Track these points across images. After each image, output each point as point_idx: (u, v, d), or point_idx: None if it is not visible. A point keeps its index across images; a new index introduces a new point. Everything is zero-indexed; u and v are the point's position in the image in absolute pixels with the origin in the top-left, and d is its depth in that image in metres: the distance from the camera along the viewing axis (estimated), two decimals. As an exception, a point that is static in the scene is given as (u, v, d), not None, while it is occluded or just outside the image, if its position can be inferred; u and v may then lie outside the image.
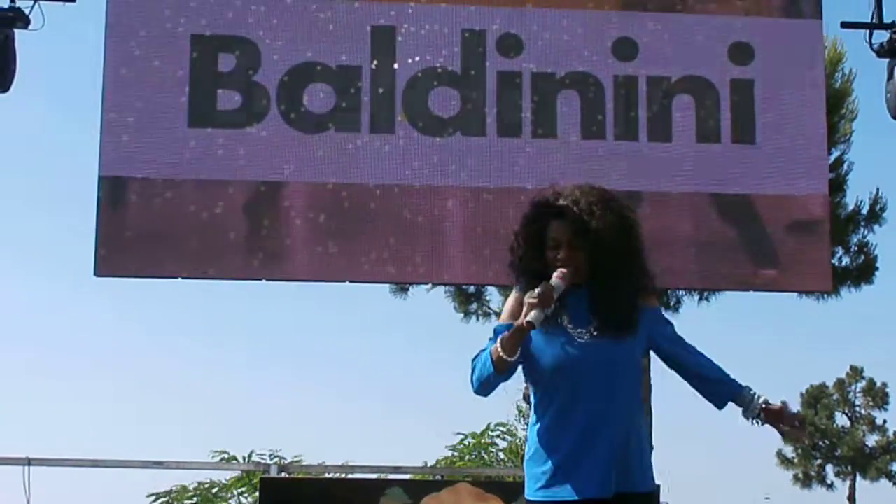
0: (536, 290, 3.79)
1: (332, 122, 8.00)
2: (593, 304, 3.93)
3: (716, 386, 4.06)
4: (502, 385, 4.01)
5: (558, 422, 3.89)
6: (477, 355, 3.96)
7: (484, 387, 3.94)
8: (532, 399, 4.04)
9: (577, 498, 3.82)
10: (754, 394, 4.03)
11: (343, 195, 7.93)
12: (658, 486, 4.12)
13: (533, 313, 3.77)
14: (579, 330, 3.92)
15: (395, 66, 8.08)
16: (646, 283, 4.04)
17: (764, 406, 4.02)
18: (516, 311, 3.93)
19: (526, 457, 4.03)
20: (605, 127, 8.12)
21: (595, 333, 3.91)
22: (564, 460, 3.86)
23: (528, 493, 3.97)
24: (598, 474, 3.83)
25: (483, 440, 20.16)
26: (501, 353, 3.83)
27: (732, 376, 4.09)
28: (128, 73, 7.94)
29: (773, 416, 4.03)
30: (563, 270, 3.87)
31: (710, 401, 4.10)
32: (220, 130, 7.92)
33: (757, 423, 4.05)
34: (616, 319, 3.92)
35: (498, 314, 14.96)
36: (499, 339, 3.84)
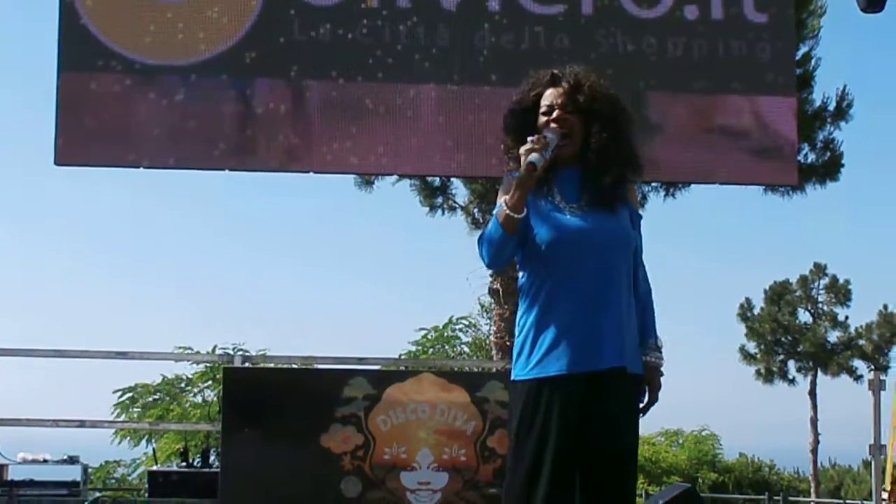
0: (529, 139, 3.75)
1: (293, 9, 7.89)
2: (585, 176, 3.88)
3: (643, 333, 3.99)
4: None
5: (555, 297, 3.83)
6: (482, 233, 3.89)
7: (496, 253, 3.84)
8: (524, 281, 3.96)
9: (574, 371, 3.78)
10: (655, 346, 3.99)
11: (304, 85, 7.85)
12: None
13: (533, 155, 3.71)
14: (571, 205, 3.87)
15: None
16: (636, 161, 4.00)
17: (646, 364, 3.96)
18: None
19: (517, 340, 3.94)
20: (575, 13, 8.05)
21: (586, 208, 3.87)
22: (561, 335, 3.80)
23: (519, 373, 3.88)
24: (595, 347, 3.79)
25: (445, 333, 20.30)
26: (509, 212, 3.75)
27: (654, 323, 4.03)
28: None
29: (648, 378, 3.96)
30: (554, 125, 3.86)
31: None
32: (180, 15, 7.80)
33: None
34: (606, 189, 3.87)
35: (463, 208, 14.98)
36: (503, 200, 3.78)
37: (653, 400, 3.98)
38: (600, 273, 3.83)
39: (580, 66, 4.05)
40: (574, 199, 3.89)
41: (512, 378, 3.92)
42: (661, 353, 4.00)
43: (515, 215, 3.75)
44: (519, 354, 3.91)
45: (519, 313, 3.99)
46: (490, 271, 14.69)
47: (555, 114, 3.89)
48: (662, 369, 4.00)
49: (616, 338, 3.82)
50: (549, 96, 3.93)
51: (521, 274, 3.99)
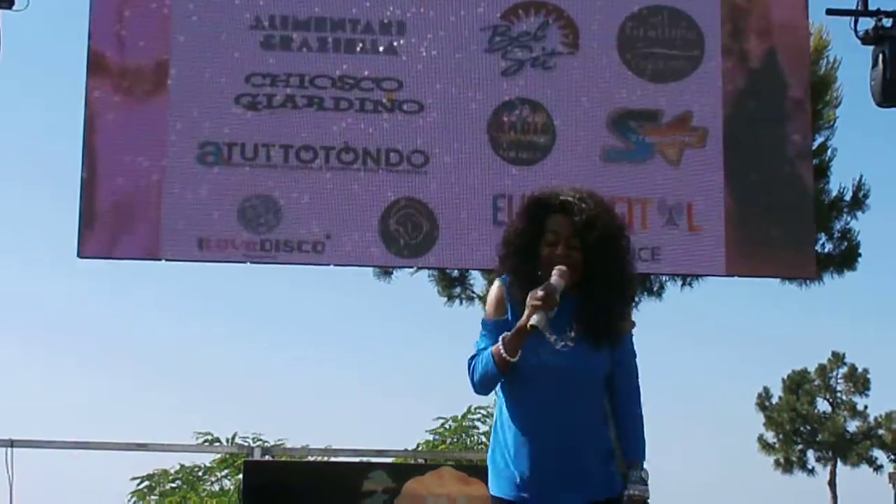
0: (539, 293, 3.73)
1: (315, 105, 8.01)
2: (580, 309, 3.87)
3: (627, 448, 3.97)
4: None
5: (525, 426, 3.88)
6: (473, 356, 3.91)
7: (486, 387, 3.92)
8: (500, 394, 4.00)
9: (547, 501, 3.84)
10: (639, 479, 3.92)
11: (327, 177, 7.93)
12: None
13: (535, 316, 3.71)
14: (555, 337, 3.86)
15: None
16: (632, 293, 4.04)
17: (629, 498, 3.90)
18: (501, 304, 3.91)
19: (490, 451, 4.02)
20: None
21: (572, 344, 3.87)
22: (531, 466, 3.85)
23: (493, 490, 3.96)
24: (563, 483, 3.84)
25: (464, 423, 20.18)
26: (504, 355, 3.78)
27: (643, 442, 3.99)
28: (112, 54, 7.95)
29: None
30: (563, 268, 3.80)
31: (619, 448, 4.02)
32: (206, 111, 7.92)
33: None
34: (600, 328, 3.87)
35: (481, 298, 14.99)
36: (500, 340, 3.80)
37: None
38: (573, 407, 3.84)
39: (587, 190, 4.01)
40: (561, 328, 3.88)
41: (490, 491, 3.99)
42: (645, 485, 3.92)
43: (511, 359, 3.79)
44: (494, 467, 3.97)
45: (495, 421, 4.04)
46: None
47: (559, 249, 3.85)
48: (647, 502, 3.92)
49: (587, 471, 3.85)
50: (556, 224, 3.90)
51: (501, 386, 4.00)
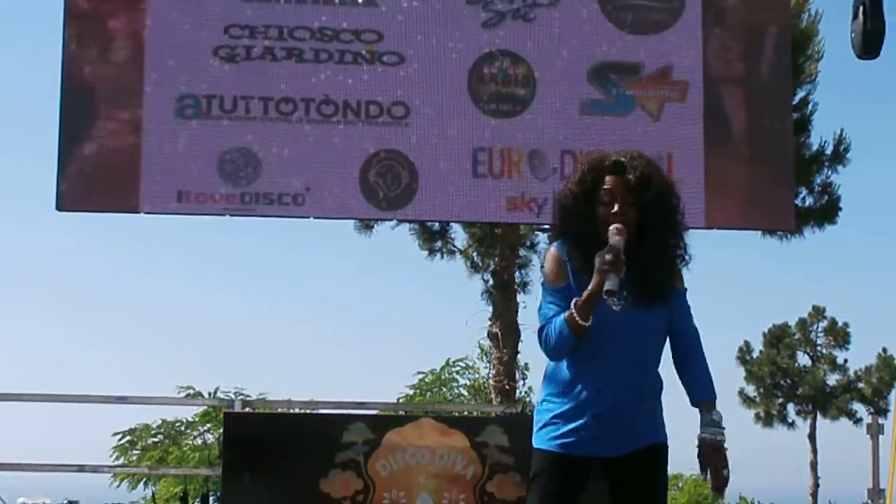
0: (607, 256, 3.75)
1: (294, 58, 7.97)
2: (634, 269, 3.87)
3: (696, 388, 4.08)
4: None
5: (578, 380, 3.95)
6: (544, 325, 3.93)
7: (562, 353, 3.95)
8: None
9: (593, 455, 3.95)
10: (711, 421, 4.01)
11: (307, 129, 7.91)
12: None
13: (608, 281, 3.74)
14: (612, 298, 3.87)
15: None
16: (686, 255, 4.03)
17: (702, 441, 4.01)
18: (562, 269, 3.94)
19: (538, 404, 4.08)
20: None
21: (626, 302, 3.90)
22: (581, 418, 3.94)
23: (539, 442, 4.02)
24: (614, 434, 3.93)
25: (443, 376, 20.25)
26: (579, 321, 3.82)
27: (712, 385, 4.09)
28: (87, 4, 7.90)
29: (706, 456, 4.00)
30: (619, 226, 3.82)
31: (687, 394, 4.12)
32: (183, 63, 7.89)
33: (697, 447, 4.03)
34: (654, 288, 3.92)
35: (462, 252, 15.00)
36: (573, 306, 3.83)
37: (719, 479, 3.99)
38: (627, 363, 3.92)
39: (638, 152, 4.03)
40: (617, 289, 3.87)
41: (534, 444, 4.05)
42: (719, 426, 4.01)
43: (586, 324, 3.83)
44: (541, 419, 4.03)
45: (545, 375, 4.09)
46: (490, 315, 14.83)
47: (616, 207, 3.87)
48: (724, 444, 4.00)
49: (638, 421, 3.95)
50: (612, 184, 3.91)
51: None
